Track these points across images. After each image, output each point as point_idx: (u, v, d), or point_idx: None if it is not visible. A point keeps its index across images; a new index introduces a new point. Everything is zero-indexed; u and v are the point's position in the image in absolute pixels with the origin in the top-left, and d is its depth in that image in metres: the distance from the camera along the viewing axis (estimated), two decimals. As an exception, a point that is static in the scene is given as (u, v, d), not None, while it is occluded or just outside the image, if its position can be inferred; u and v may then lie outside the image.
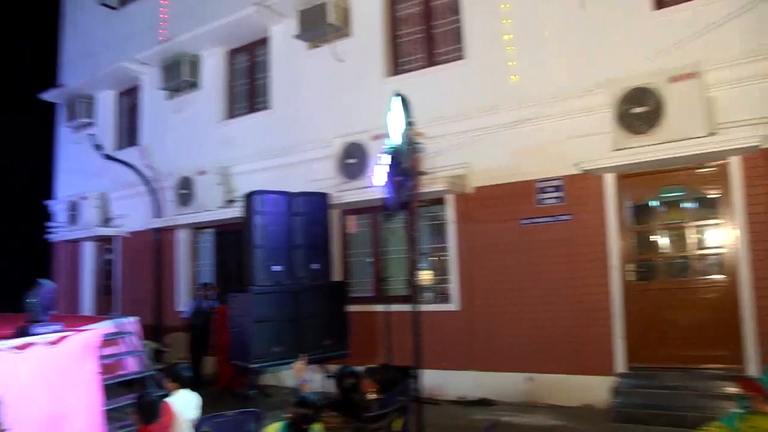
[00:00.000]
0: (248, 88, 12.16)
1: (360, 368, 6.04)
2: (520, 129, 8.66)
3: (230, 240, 11.51)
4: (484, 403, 8.55)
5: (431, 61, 9.84)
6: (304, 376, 5.54)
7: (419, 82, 9.50)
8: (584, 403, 8.02)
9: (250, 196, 8.54)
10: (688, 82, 7.30)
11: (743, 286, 7.34)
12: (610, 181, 8.17)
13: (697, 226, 7.85)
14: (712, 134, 7.24)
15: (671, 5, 7.93)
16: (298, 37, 10.47)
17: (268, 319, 8.19)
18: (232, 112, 12.26)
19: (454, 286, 9.21)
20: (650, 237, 8.12)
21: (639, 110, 7.54)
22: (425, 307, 8.50)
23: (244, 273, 8.53)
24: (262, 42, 11.75)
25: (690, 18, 7.64)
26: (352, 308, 9.33)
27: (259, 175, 10.93)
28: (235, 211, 10.20)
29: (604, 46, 8.20)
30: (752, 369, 7.09)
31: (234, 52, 12.37)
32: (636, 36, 7.99)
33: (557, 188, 8.50)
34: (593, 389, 7.92)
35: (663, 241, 8.06)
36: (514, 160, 8.74)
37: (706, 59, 7.34)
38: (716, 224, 7.70)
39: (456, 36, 9.60)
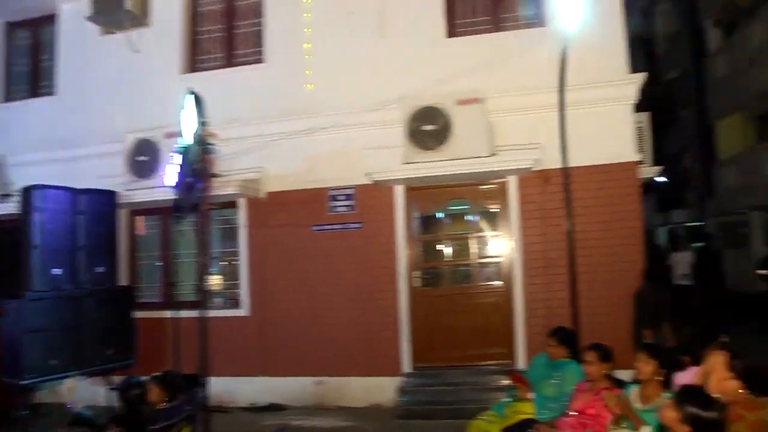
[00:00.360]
0: (31, 69, 11.02)
1: (146, 378, 5.82)
2: (316, 137, 8.79)
3: (5, 240, 10.32)
4: (274, 408, 8.60)
5: (231, 61, 9.69)
6: (74, 398, 5.16)
7: (217, 81, 9.27)
8: (373, 403, 8.41)
9: (27, 191, 7.75)
10: (474, 106, 7.99)
11: (516, 291, 8.30)
12: (399, 192, 8.66)
13: (479, 237, 8.65)
14: (493, 155, 8.03)
15: (463, 35, 8.71)
16: (91, 19, 9.66)
17: (44, 329, 7.43)
18: (10, 95, 11.03)
19: (244, 291, 9.15)
20: (436, 246, 8.76)
21: (429, 128, 8.04)
22: (215, 313, 8.30)
23: (19, 277, 7.73)
24: (49, 19, 10.68)
25: (478, 48, 8.41)
26: (140, 314, 8.84)
27: (40, 168, 9.85)
28: (11, 207, 9.20)
29: (400, 65, 8.66)
30: (521, 363, 8.02)
31: (13, 27, 11.12)
32: (430, 59, 8.56)
33: (349, 197, 8.80)
34: (381, 390, 8.35)
35: (447, 250, 8.74)
36: (308, 167, 8.90)
37: (490, 87, 8.10)
38: (495, 236, 8.56)
39: (257, 38, 9.55)
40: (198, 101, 5.97)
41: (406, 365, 8.47)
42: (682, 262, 13.31)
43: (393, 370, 8.43)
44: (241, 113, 9.07)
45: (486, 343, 8.34)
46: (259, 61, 9.47)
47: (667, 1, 25.64)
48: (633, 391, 4.62)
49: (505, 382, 6.35)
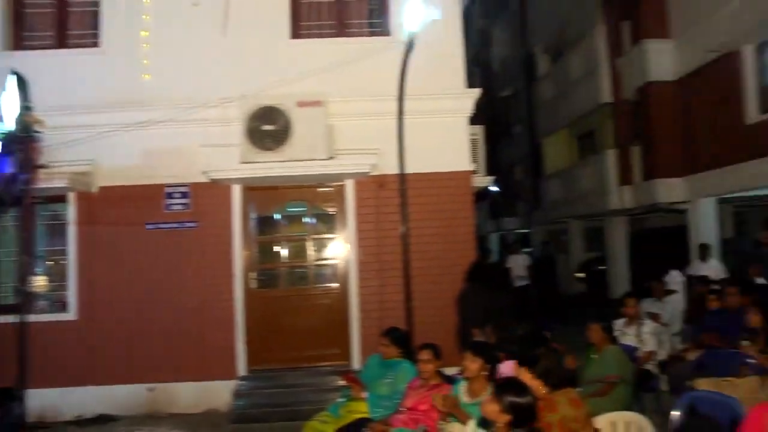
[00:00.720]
0: None
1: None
2: (152, 130, 8.36)
3: None
4: (103, 419, 8.07)
5: (63, 42, 8.91)
6: None
7: (46, 63, 8.48)
8: (208, 408, 8.18)
9: None
10: (315, 108, 8.04)
11: (352, 292, 8.46)
12: (237, 192, 8.50)
13: (316, 239, 8.73)
14: (332, 158, 8.11)
15: (307, 37, 8.73)
16: None
17: None
18: None
19: (72, 293, 8.52)
20: (273, 247, 8.72)
21: (268, 128, 7.97)
22: (38, 318, 7.75)
23: None
24: None
25: (322, 52, 8.46)
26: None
27: None
28: None
29: (243, 62, 8.50)
30: (357, 363, 8.16)
31: None
32: (273, 59, 8.50)
33: (185, 194, 8.50)
34: (217, 394, 8.14)
35: (284, 251, 8.73)
36: (143, 162, 8.49)
37: (332, 91, 8.20)
38: (332, 238, 8.68)
39: (93, 20, 8.87)
40: (21, 83, 5.54)
41: (242, 368, 8.33)
42: (518, 265, 14.09)
43: (228, 373, 8.25)
44: (72, 100, 8.37)
45: (322, 344, 8.44)
46: (95, 45, 8.83)
47: (503, 25, 27.37)
48: (462, 387, 4.85)
49: (341, 382, 6.43)
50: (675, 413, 4.69)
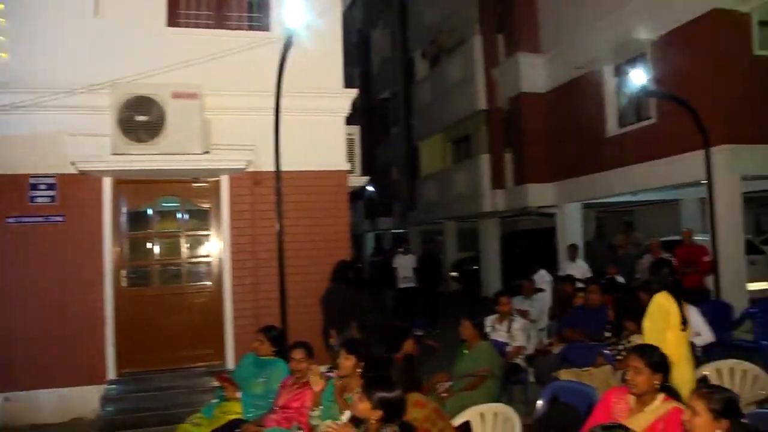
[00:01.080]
0: None
1: None
2: (14, 116, 7.77)
3: None
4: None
5: None
6: None
7: None
8: (74, 417, 7.67)
9: None
10: (190, 101, 7.78)
11: (226, 291, 8.32)
12: (107, 184, 8.09)
13: (190, 235, 8.51)
14: (207, 152, 7.94)
15: (184, 26, 8.43)
16: None
17: None
18: None
19: None
20: (145, 244, 8.39)
21: (141, 119, 7.61)
22: None
23: None
24: None
25: (200, 42, 8.20)
26: None
27: None
28: None
29: (115, 48, 8.07)
30: (231, 363, 8.07)
31: None
32: (147, 46, 8.13)
33: (51, 186, 7.97)
34: (83, 401, 7.66)
35: (157, 248, 8.42)
36: (5, 150, 7.88)
37: (209, 84, 7.98)
38: (206, 235, 8.50)
39: None
40: None
41: (111, 372, 7.90)
42: (404, 265, 13.82)
43: (96, 378, 7.79)
44: None
45: (196, 344, 8.25)
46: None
47: (384, 27, 27.80)
48: (336, 384, 4.90)
49: (214, 383, 6.29)
50: (539, 402, 5.00)
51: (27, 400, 7.64)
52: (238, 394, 5.53)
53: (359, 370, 4.72)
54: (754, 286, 11.54)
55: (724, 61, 10.79)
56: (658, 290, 5.26)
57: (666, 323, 5.07)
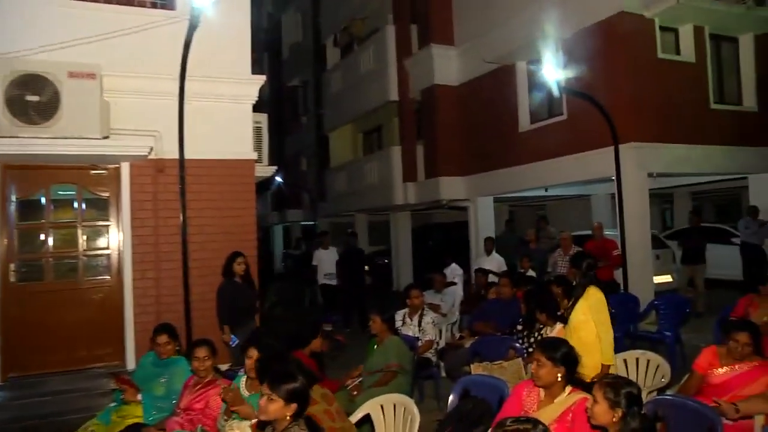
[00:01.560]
0: None
1: None
2: None
3: None
4: None
5: None
6: None
7: None
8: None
9: None
10: (88, 81, 7.41)
11: (126, 286, 8.04)
12: None
13: (87, 226, 8.18)
14: (106, 137, 7.60)
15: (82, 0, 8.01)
16: None
17: None
18: None
19: None
20: (38, 235, 8.00)
21: (33, 98, 7.17)
22: None
23: None
24: None
25: (100, 18, 7.87)
26: None
27: None
28: None
29: (4, 19, 7.58)
30: (132, 363, 7.79)
31: None
32: (41, 19, 7.69)
33: None
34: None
35: (51, 240, 8.04)
36: None
37: (110, 64, 7.66)
38: (106, 226, 8.20)
39: None
40: None
41: (-3, 377, 7.52)
42: (326, 260, 13.11)
43: (-24, 384, 7.39)
44: None
45: (93, 343, 7.94)
46: None
47: (295, 12, 27.54)
48: (242, 381, 4.87)
49: (112, 385, 6.07)
50: (451, 397, 5.14)
51: None
52: (139, 397, 5.40)
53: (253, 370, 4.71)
54: (659, 279, 12.26)
55: (631, 61, 11.39)
56: (586, 284, 5.49)
57: (607, 316, 5.36)
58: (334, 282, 13.04)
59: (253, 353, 4.73)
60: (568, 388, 3.93)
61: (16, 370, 7.63)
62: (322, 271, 13.14)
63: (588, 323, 5.34)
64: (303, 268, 15.63)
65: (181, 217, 7.77)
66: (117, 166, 8.12)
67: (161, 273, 8.07)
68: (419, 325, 7.63)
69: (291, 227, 29.21)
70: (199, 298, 7.86)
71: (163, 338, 5.78)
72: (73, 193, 8.15)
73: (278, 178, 23.75)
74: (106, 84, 7.67)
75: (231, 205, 8.50)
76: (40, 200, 8.06)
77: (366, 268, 13.76)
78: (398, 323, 7.51)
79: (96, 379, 7.64)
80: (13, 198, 7.86)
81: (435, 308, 8.89)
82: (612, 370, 5.13)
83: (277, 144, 26.41)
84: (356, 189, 19.87)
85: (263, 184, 11.12)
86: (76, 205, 8.17)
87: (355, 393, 6.03)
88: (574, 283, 5.69)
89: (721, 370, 4.76)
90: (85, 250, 8.17)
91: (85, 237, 8.18)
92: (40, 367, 7.69)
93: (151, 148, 7.95)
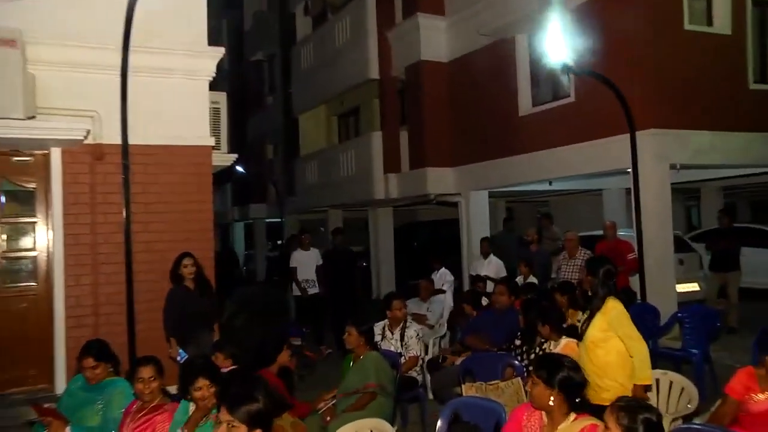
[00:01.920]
0: None
1: None
2: None
3: None
4: None
5: None
6: None
7: None
8: None
9: None
10: (9, 50, 7.20)
11: (57, 294, 7.85)
12: None
13: (9, 223, 8.06)
14: (32, 117, 7.40)
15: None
16: None
17: None
18: None
19: None
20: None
21: None
22: None
23: None
24: None
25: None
26: None
27: None
28: None
29: None
30: (61, 386, 7.48)
31: None
32: None
33: None
34: None
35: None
36: None
37: (32, 29, 7.45)
38: (31, 223, 8.06)
39: None
40: None
41: None
42: (306, 264, 12.15)
43: None
44: None
45: (15, 363, 7.74)
46: None
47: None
48: (190, 407, 4.78)
49: (33, 418, 5.83)
50: (439, 423, 5.01)
51: None
52: (68, 430, 5.13)
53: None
54: (683, 288, 12.18)
55: (651, 34, 11.22)
56: (605, 296, 5.36)
57: (633, 328, 5.24)
58: (315, 290, 12.14)
59: (203, 384, 4.67)
60: (573, 415, 3.86)
61: None
62: (302, 277, 12.15)
63: (607, 341, 5.23)
64: (278, 272, 15.02)
65: (124, 213, 7.63)
66: (46, 152, 7.94)
67: (99, 278, 7.95)
68: (402, 339, 7.53)
69: (254, 224, 29.01)
70: (145, 308, 7.74)
71: (88, 362, 5.54)
72: None
73: (239, 168, 23.53)
74: (30, 54, 7.46)
75: (184, 199, 8.41)
76: None
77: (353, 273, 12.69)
78: (377, 337, 7.37)
79: (17, 406, 7.34)
80: None
81: (421, 319, 8.77)
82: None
83: (239, 128, 26.20)
84: (330, 181, 19.72)
85: (222, 175, 10.97)
86: None
87: (328, 418, 5.93)
88: (589, 293, 5.56)
89: (761, 396, 4.66)
90: (5, 251, 8.04)
91: (4, 236, 8.05)
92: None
93: (88, 132, 7.79)
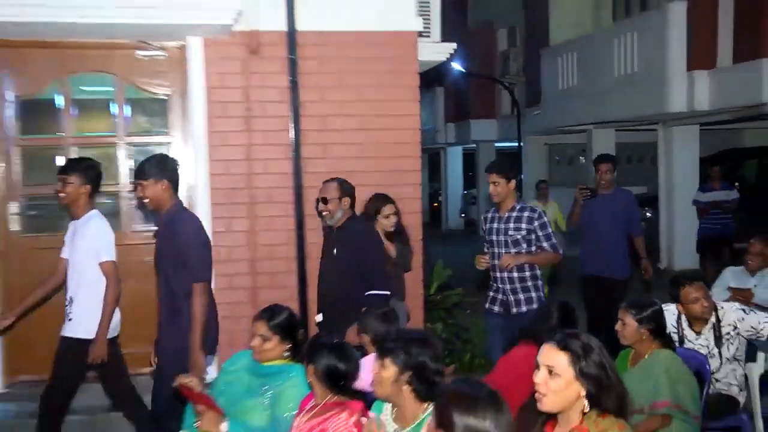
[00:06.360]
0: None
1: None
2: None
3: None
4: None
5: None
6: None
7: None
8: None
9: None
10: None
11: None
12: None
13: (135, 144, 8.77)
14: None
15: None
16: None
17: None
18: None
19: None
20: (53, 158, 8.61)
21: None
22: None
23: None
24: None
25: None
26: None
27: None
28: None
29: None
30: (211, 369, 7.83)
31: None
32: None
33: None
34: None
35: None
36: None
37: None
38: (165, 143, 8.74)
39: None
40: None
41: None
42: None
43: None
44: None
45: (143, 333, 7.96)
46: None
47: None
48: (386, 408, 4.89)
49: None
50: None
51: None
52: (223, 427, 5.27)
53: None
54: None
55: None
56: None
57: None
58: None
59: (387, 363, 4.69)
60: None
61: (19, 373, 8.35)
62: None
63: None
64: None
65: (292, 131, 8.09)
66: (181, 43, 8.48)
67: (258, 223, 8.44)
68: (717, 332, 7.45)
69: (477, 150, 29.32)
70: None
71: (260, 327, 5.78)
72: (110, 89, 8.64)
73: (456, 66, 23.85)
74: None
75: (377, 110, 8.70)
76: (53, 101, 8.62)
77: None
78: (671, 329, 7.30)
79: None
80: (11, 96, 8.42)
81: (745, 296, 8.53)
82: None
83: (456, 6, 26.41)
84: (596, 84, 19.62)
85: (430, 75, 11.19)
86: (113, 109, 8.68)
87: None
88: None
89: None
90: (132, 182, 8.35)
91: (130, 162, 8.63)
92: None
93: (240, 13, 8.11)
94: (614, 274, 9.65)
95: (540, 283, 7.94)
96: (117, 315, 7.22)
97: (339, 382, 5.12)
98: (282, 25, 8.10)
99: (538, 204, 13.25)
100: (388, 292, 7.24)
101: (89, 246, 6.94)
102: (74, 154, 8.56)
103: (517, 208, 7.84)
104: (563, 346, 3.99)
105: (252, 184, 8.47)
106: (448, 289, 10.50)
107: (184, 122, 8.66)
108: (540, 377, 4.03)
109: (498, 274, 7.88)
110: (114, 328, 7.13)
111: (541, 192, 15.68)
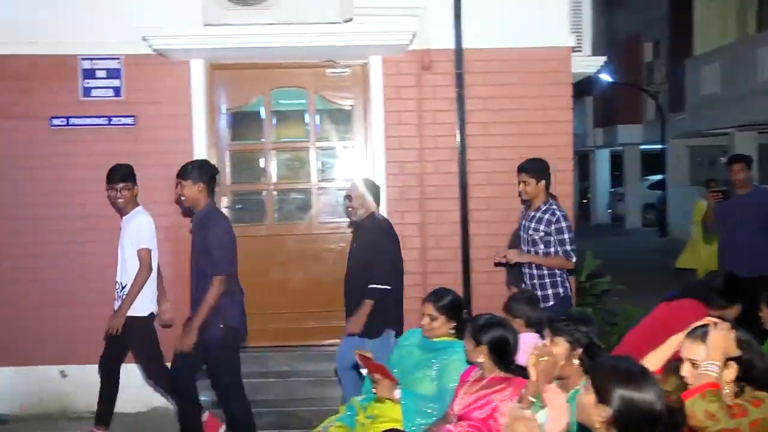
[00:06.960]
0: None
1: None
2: None
3: None
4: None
5: None
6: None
7: None
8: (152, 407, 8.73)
9: None
10: None
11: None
12: (198, 70, 8.77)
13: (323, 149, 9.37)
14: (348, 21, 8.33)
15: None
16: None
17: None
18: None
19: None
20: (257, 160, 9.31)
21: None
22: None
23: None
24: None
25: None
26: None
27: None
28: None
29: None
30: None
31: None
32: None
33: (113, 72, 8.67)
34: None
35: (274, 167, 9.28)
36: (46, 17, 8.63)
37: None
38: (349, 147, 9.34)
39: None
40: None
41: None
42: None
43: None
44: None
45: (330, 312, 8.79)
46: None
47: None
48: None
49: (362, 371, 6.32)
50: None
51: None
52: (396, 393, 5.73)
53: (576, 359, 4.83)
54: None
55: None
56: None
57: None
58: None
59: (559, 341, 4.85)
60: None
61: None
62: None
63: None
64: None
65: (458, 136, 8.47)
66: (364, 62, 9.01)
67: (428, 216, 8.92)
68: None
69: (624, 153, 29.29)
70: (482, 256, 8.49)
71: (427, 308, 6.19)
72: (303, 102, 9.24)
73: (604, 76, 23.90)
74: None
75: (534, 118, 8.95)
76: (258, 112, 9.27)
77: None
78: None
79: (331, 361, 8.18)
80: (224, 109, 9.08)
81: None
82: None
83: (604, 22, 26.37)
84: (739, 90, 19.32)
85: (581, 86, 11.26)
86: (306, 118, 9.30)
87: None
88: None
89: None
90: (319, 181, 9.24)
91: (319, 163, 9.24)
92: (255, 339, 8.45)
93: (414, 35, 8.54)
94: (752, 273, 8.79)
95: (560, 280, 7.58)
96: (154, 295, 7.74)
97: (505, 356, 5.32)
98: (450, 44, 8.51)
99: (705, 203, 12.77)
100: (389, 286, 7.33)
101: (132, 238, 7.52)
102: (273, 157, 9.25)
103: (542, 209, 7.57)
104: (704, 339, 4.06)
105: (423, 183, 8.90)
106: (597, 277, 10.54)
107: (365, 129, 9.14)
108: (685, 371, 4.14)
109: (524, 270, 7.71)
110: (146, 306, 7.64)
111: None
